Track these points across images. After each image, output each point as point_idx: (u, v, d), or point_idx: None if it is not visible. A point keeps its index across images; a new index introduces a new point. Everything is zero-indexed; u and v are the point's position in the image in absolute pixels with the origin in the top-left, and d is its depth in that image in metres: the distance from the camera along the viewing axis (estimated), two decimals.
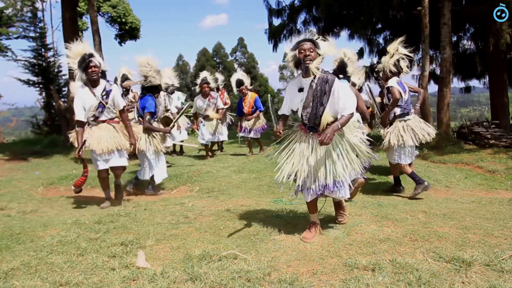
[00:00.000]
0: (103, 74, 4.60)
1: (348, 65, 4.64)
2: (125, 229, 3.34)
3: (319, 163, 2.95)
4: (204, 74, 7.95)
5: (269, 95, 2.93)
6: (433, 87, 12.23)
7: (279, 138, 3.02)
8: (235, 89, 8.17)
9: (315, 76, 2.89)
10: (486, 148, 7.96)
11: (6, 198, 5.05)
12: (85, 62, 4.29)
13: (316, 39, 2.90)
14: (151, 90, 5.22)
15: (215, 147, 8.84)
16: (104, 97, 4.45)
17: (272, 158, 3.16)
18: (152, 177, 5.36)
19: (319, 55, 2.88)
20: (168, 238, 3.09)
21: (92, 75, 4.33)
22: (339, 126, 2.86)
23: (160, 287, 2.27)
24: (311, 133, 3.03)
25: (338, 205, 3.39)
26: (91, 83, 4.39)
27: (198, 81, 7.85)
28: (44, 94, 14.48)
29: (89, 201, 5.03)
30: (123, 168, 4.87)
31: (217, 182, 5.83)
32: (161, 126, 5.56)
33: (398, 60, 4.60)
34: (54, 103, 13.24)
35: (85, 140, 4.42)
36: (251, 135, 8.05)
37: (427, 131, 4.87)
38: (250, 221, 3.50)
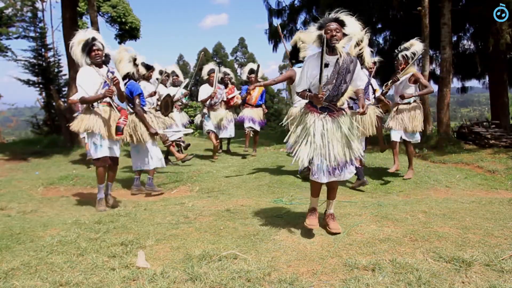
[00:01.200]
0: (107, 58, 4.56)
1: (301, 49, 5.15)
2: (125, 229, 3.34)
3: (341, 143, 3.00)
4: (211, 65, 7.86)
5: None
6: (433, 87, 12.22)
7: (322, 99, 2.96)
8: (245, 76, 8.03)
9: (341, 54, 2.94)
10: (486, 148, 7.96)
11: (6, 198, 5.04)
12: (88, 46, 4.31)
13: (342, 18, 2.97)
14: (126, 77, 5.18)
15: (224, 147, 8.76)
16: (110, 77, 4.43)
17: (288, 149, 3.16)
18: (139, 171, 5.31)
19: (345, 34, 2.93)
20: (168, 238, 3.09)
21: (95, 58, 4.34)
22: (364, 98, 3.14)
23: (160, 287, 2.27)
24: (325, 113, 3.03)
25: (330, 216, 3.27)
26: (96, 65, 4.39)
27: (205, 71, 7.76)
28: (44, 94, 14.48)
29: (89, 201, 5.03)
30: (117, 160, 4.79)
31: (217, 182, 5.83)
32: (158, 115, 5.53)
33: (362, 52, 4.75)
34: (54, 103, 13.24)
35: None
36: (252, 125, 7.86)
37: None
38: (250, 221, 3.50)
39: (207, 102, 7.68)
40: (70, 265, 2.59)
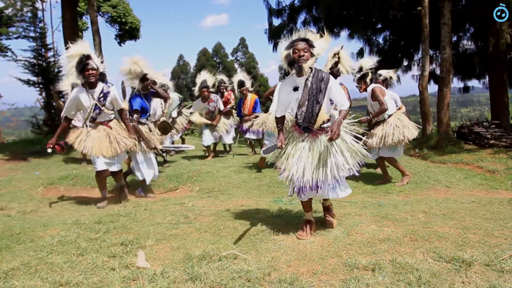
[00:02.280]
0: (102, 76, 4.50)
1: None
2: (125, 229, 3.34)
3: (317, 163, 2.97)
4: (203, 76, 7.77)
5: (262, 151, 3.04)
6: (433, 87, 12.22)
7: (282, 148, 3.03)
8: (236, 90, 8.12)
9: (309, 74, 2.92)
10: (486, 148, 7.96)
11: (6, 198, 5.04)
12: (82, 64, 4.24)
13: (308, 38, 2.90)
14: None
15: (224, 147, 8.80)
16: (102, 99, 4.42)
17: (270, 161, 3.22)
18: (144, 179, 5.28)
19: (313, 55, 2.89)
20: (168, 238, 3.09)
21: (89, 77, 4.30)
22: (342, 121, 2.92)
23: (160, 287, 2.27)
24: (306, 134, 3.05)
25: (327, 209, 3.34)
26: (88, 85, 4.37)
27: (197, 84, 7.74)
28: (44, 94, 14.46)
29: (89, 201, 5.03)
30: (121, 170, 4.88)
31: (217, 182, 5.83)
32: (156, 131, 5.50)
33: (335, 63, 4.74)
34: (54, 103, 13.24)
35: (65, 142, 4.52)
36: (251, 136, 7.94)
37: None
38: (250, 221, 3.50)
39: (205, 115, 7.75)
40: (70, 265, 2.59)
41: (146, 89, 5.14)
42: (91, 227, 3.38)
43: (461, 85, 13.35)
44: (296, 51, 2.87)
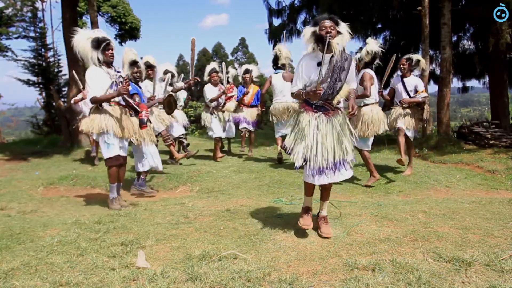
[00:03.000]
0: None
1: (280, 58, 6.77)
2: (125, 229, 3.34)
3: (335, 142, 2.98)
4: (212, 65, 7.73)
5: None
6: (433, 87, 12.23)
7: (320, 94, 2.94)
8: (240, 77, 8.09)
9: (335, 52, 2.93)
10: (486, 148, 7.96)
11: (6, 198, 5.04)
12: (105, 42, 4.28)
13: (333, 17, 2.99)
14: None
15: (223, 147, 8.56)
16: (118, 77, 4.43)
17: (285, 146, 3.12)
18: (139, 172, 5.27)
19: (339, 33, 2.93)
20: (168, 238, 3.09)
21: (110, 57, 4.34)
22: (355, 99, 3.10)
23: (160, 287, 2.27)
24: (320, 112, 3.02)
25: (324, 218, 3.23)
26: (106, 64, 4.36)
27: (207, 70, 7.65)
28: (44, 94, 14.49)
29: (89, 201, 5.03)
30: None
31: (217, 182, 5.83)
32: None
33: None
34: (54, 103, 13.25)
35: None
36: (246, 125, 7.85)
37: None
38: (250, 221, 3.50)
39: (213, 104, 7.56)
40: (70, 265, 2.59)
41: (134, 75, 5.24)
42: (91, 227, 3.38)
43: (461, 85, 13.38)
44: (324, 28, 2.91)
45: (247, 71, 7.96)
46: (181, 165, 7.08)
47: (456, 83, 13.38)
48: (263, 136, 10.76)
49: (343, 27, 2.97)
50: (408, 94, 5.79)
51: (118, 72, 4.46)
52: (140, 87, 5.32)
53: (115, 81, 4.35)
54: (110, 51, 4.32)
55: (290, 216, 3.69)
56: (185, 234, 3.18)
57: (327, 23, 2.92)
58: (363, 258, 2.59)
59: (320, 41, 2.91)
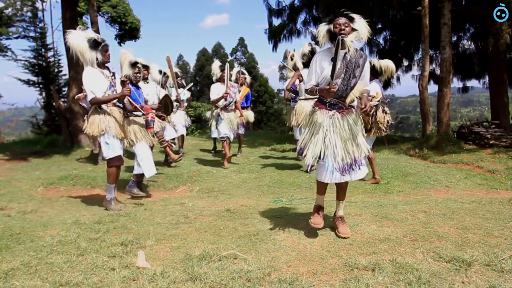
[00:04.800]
0: None
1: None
2: (125, 229, 3.34)
3: (349, 141, 2.97)
4: (218, 62, 7.25)
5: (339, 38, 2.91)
6: (433, 87, 12.23)
7: (334, 91, 2.93)
8: (234, 78, 7.79)
9: (349, 49, 2.93)
10: (486, 148, 7.96)
11: (6, 198, 5.04)
12: (104, 44, 4.30)
13: (348, 13, 2.99)
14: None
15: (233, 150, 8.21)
16: (113, 78, 4.45)
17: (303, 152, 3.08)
18: (140, 173, 5.23)
19: (354, 30, 2.93)
20: (168, 238, 3.09)
21: (108, 58, 4.37)
22: (368, 97, 3.06)
23: (160, 287, 2.27)
24: (334, 111, 3.00)
25: (341, 218, 3.18)
26: (102, 66, 4.37)
27: (215, 68, 7.11)
28: (44, 94, 14.48)
29: (89, 201, 5.03)
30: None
31: (217, 182, 5.83)
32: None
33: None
34: (54, 103, 13.24)
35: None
36: (240, 129, 7.72)
37: None
38: (250, 221, 3.50)
39: (220, 103, 7.00)
40: (70, 265, 2.59)
41: (136, 76, 5.19)
42: (91, 227, 3.38)
43: (461, 85, 13.39)
44: (338, 25, 2.92)
45: (242, 73, 8.04)
46: (181, 165, 7.08)
47: (456, 83, 13.39)
48: (263, 136, 10.76)
49: (359, 23, 2.96)
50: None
51: (113, 73, 4.47)
52: (138, 87, 5.31)
53: (111, 83, 4.36)
54: (107, 52, 4.35)
55: (290, 216, 3.69)
56: (185, 234, 3.18)
57: (341, 20, 2.93)
58: (363, 258, 2.59)
59: (334, 38, 2.90)
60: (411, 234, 2.99)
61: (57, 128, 13.29)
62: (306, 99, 5.95)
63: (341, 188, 3.20)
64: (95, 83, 4.25)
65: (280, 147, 9.46)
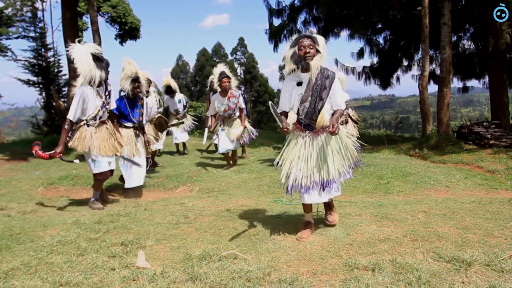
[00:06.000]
0: None
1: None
2: (125, 229, 3.34)
3: (317, 162, 2.98)
4: (221, 68, 6.72)
5: (270, 102, 2.92)
6: (433, 87, 12.23)
7: (287, 133, 2.98)
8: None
9: (315, 71, 2.92)
10: (486, 148, 7.96)
11: (6, 198, 5.04)
12: (104, 63, 4.29)
13: (312, 35, 2.94)
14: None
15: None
16: (107, 97, 4.45)
17: (274, 162, 3.15)
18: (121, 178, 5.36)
19: (318, 51, 2.91)
20: (168, 238, 3.09)
21: (107, 75, 4.37)
22: (339, 117, 2.96)
23: (160, 287, 2.27)
24: (307, 131, 3.04)
25: (328, 205, 3.34)
26: (98, 84, 4.34)
27: (215, 77, 6.74)
28: (44, 94, 14.46)
29: (89, 201, 5.02)
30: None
31: (217, 182, 5.83)
32: (151, 129, 5.66)
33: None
34: (54, 103, 13.24)
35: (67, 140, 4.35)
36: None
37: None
38: (250, 221, 3.50)
39: (221, 113, 6.67)
40: (70, 265, 2.59)
41: (135, 91, 5.14)
42: (91, 227, 3.38)
43: (461, 85, 13.39)
44: (302, 47, 2.88)
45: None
46: (181, 165, 7.08)
47: (456, 83, 13.39)
48: (263, 136, 10.76)
49: (322, 45, 2.92)
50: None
51: (108, 91, 4.47)
52: (137, 101, 5.29)
53: (104, 102, 4.39)
54: (108, 68, 4.35)
55: (290, 216, 3.69)
56: (185, 234, 3.18)
57: (306, 41, 2.88)
58: (363, 258, 2.58)
59: (299, 62, 2.89)
60: (411, 234, 2.99)
61: (57, 128, 13.28)
62: None
63: (325, 204, 3.31)
64: (80, 105, 4.24)
65: (280, 147, 9.46)
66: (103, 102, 4.38)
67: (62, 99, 12.81)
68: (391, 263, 2.48)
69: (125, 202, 4.85)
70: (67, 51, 4.32)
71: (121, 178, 5.43)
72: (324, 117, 2.99)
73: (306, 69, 2.93)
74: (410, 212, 3.58)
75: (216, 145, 8.58)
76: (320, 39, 2.94)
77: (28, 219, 3.97)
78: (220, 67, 6.79)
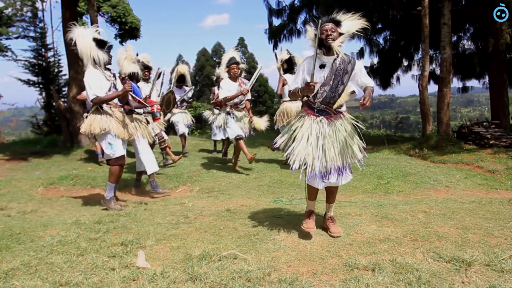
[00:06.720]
0: None
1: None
2: (125, 229, 3.34)
3: (332, 147, 2.95)
4: (231, 53, 6.52)
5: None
6: (433, 87, 12.23)
7: (312, 91, 2.90)
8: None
9: (338, 55, 2.93)
10: (486, 148, 7.96)
11: (6, 198, 5.04)
12: (109, 44, 4.31)
13: (334, 18, 3.00)
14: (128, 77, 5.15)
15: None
16: (114, 79, 4.44)
17: (279, 147, 3.09)
18: (140, 172, 5.34)
19: (341, 34, 2.93)
20: (168, 238, 3.09)
21: (111, 59, 4.38)
22: (371, 92, 2.99)
23: (160, 287, 2.27)
24: (321, 117, 2.99)
25: (331, 218, 3.21)
26: (104, 66, 4.34)
27: (223, 62, 6.51)
28: (44, 94, 14.47)
29: (89, 201, 5.03)
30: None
31: (217, 182, 5.83)
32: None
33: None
34: (54, 103, 13.24)
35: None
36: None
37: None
38: (250, 221, 3.50)
39: (232, 101, 6.41)
40: (70, 265, 2.59)
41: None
42: (91, 227, 3.38)
43: (461, 85, 13.39)
44: (324, 31, 2.92)
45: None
46: (181, 165, 7.07)
47: (456, 83, 13.39)
48: (263, 136, 10.75)
49: (346, 25, 2.97)
50: None
51: (113, 74, 4.47)
52: (138, 87, 5.32)
53: (113, 83, 4.36)
54: (110, 53, 4.37)
55: (290, 216, 3.69)
56: (185, 234, 3.18)
57: (328, 25, 2.93)
58: (363, 258, 2.58)
59: (322, 45, 2.91)
60: (411, 234, 2.99)
61: (57, 128, 13.29)
62: (290, 100, 6.15)
63: (331, 193, 3.23)
64: (96, 82, 4.21)
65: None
66: (112, 84, 4.34)
67: (62, 99, 12.81)
68: (391, 263, 2.48)
69: (126, 201, 4.84)
70: (69, 38, 4.24)
71: (137, 174, 5.48)
72: (344, 100, 3.01)
73: (328, 52, 2.93)
74: (410, 212, 3.58)
75: (215, 142, 8.61)
76: (344, 21, 2.99)
77: (28, 219, 3.97)
78: (231, 52, 6.56)
